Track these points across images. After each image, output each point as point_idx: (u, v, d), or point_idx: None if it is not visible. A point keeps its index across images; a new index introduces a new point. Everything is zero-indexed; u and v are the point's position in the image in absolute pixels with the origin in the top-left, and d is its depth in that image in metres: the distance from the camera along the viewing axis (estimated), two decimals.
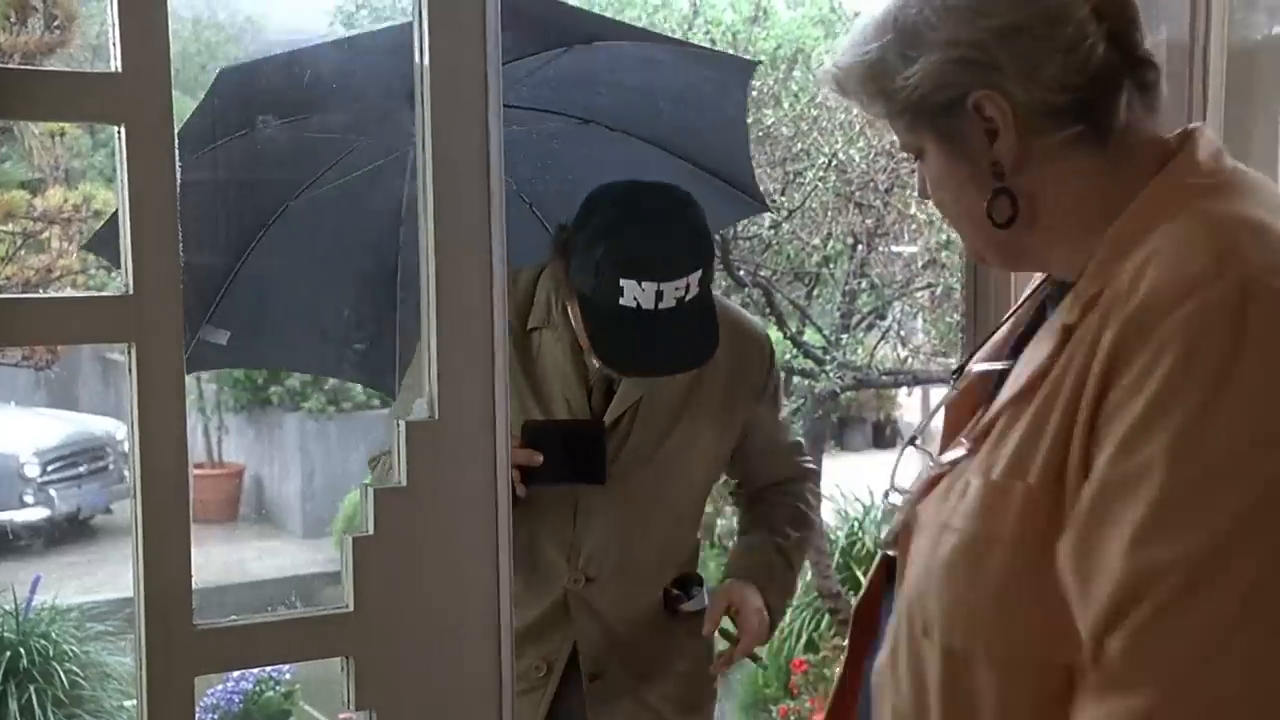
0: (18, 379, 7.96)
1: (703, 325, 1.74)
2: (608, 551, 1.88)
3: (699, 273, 1.70)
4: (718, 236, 4.55)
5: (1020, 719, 0.91)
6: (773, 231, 4.81)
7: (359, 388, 8.05)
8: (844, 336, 4.83)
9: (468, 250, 1.13)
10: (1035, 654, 0.90)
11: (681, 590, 1.93)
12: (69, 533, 8.00)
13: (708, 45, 4.70)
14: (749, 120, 4.68)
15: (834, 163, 4.62)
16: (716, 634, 1.93)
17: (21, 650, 4.49)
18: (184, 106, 2.09)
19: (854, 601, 1.18)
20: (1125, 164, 0.96)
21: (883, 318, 5.16)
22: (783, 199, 4.78)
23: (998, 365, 1.07)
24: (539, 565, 1.85)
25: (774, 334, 5.15)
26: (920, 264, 4.96)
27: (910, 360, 5.25)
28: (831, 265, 5.08)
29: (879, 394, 9.59)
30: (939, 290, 4.97)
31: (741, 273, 4.77)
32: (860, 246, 4.81)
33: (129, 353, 1.03)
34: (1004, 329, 1.13)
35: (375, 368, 2.69)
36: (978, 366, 1.10)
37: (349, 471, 7.99)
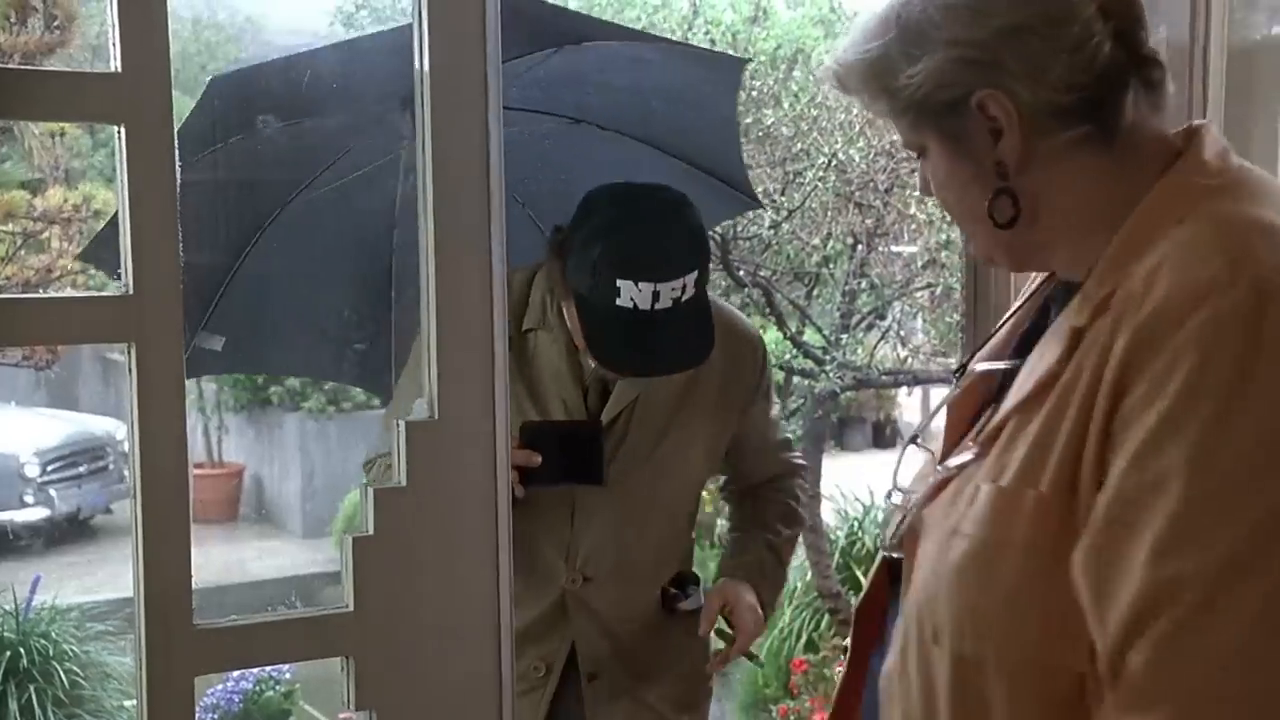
0: (18, 379, 7.96)
1: (699, 326, 1.75)
2: (605, 551, 1.88)
3: (695, 274, 1.71)
4: (718, 236, 4.55)
5: None
6: (772, 231, 4.81)
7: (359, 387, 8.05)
8: (844, 336, 4.83)
9: (468, 250, 1.13)
10: (1045, 660, 0.90)
11: (678, 589, 1.94)
12: (69, 533, 8.00)
13: (708, 45, 4.71)
14: (749, 120, 4.70)
15: (834, 163, 4.62)
16: (701, 633, 1.94)
17: (21, 650, 4.49)
18: (184, 106, 2.09)
19: (854, 602, 1.18)
20: (1131, 164, 0.95)
21: (883, 318, 5.16)
22: (783, 199, 4.78)
23: (1000, 365, 1.07)
24: (537, 566, 1.85)
25: (774, 334, 5.15)
26: (920, 264, 4.96)
27: (910, 360, 5.25)
28: (831, 265, 5.07)
29: (879, 394, 9.59)
30: (939, 290, 4.97)
31: (741, 273, 4.77)
32: (860, 246, 4.81)
33: (129, 353, 1.03)
34: (1005, 328, 1.12)
35: (371, 371, 2.69)
36: (980, 366, 1.09)
37: (349, 471, 7.99)
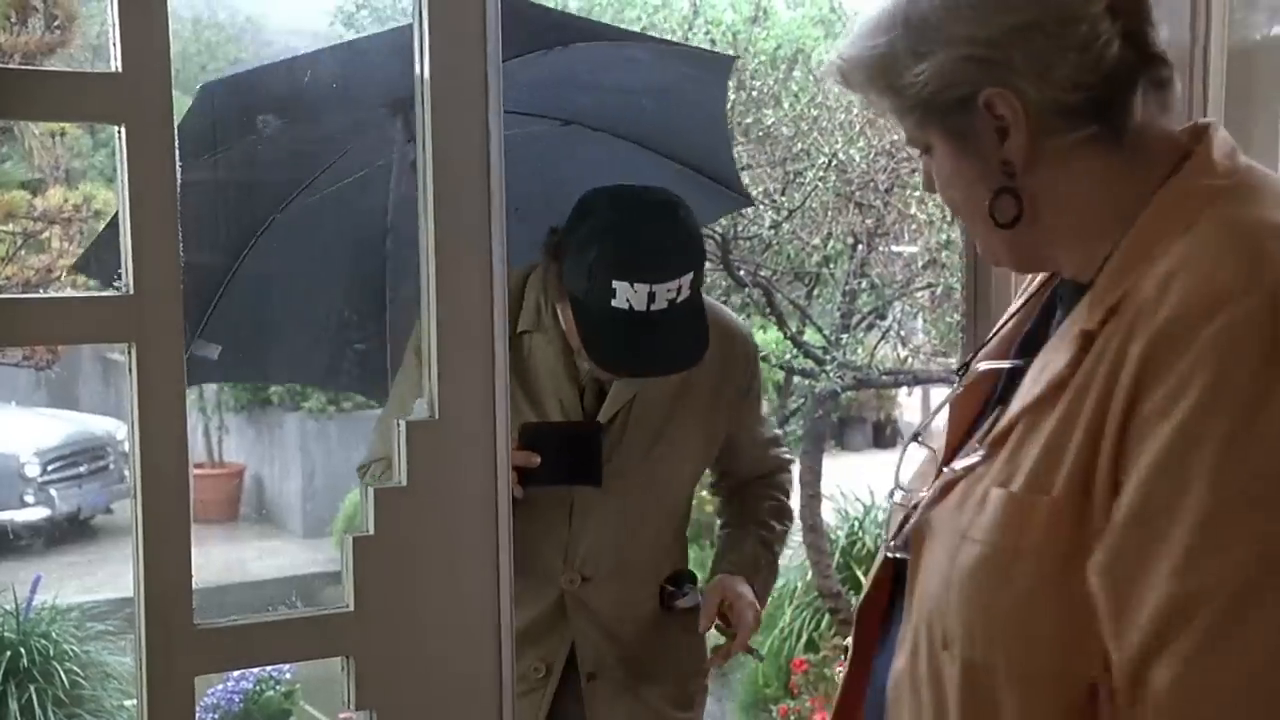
0: (18, 379, 7.96)
1: (694, 327, 1.76)
2: (604, 551, 1.89)
3: (690, 275, 1.72)
4: (718, 236, 4.55)
5: None
6: (773, 231, 4.81)
7: None
8: (844, 336, 4.83)
9: (468, 250, 1.13)
10: (1058, 668, 0.89)
11: (675, 587, 1.95)
12: (69, 532, 8.00)
13: (708, 45, 4.71)
14: (749, 120, 4.70)
15: (834, 163, 4.62)
16: (701, 629, 1.95)
17: (22, 650, 4.49)
18: (184, 106, 2.09)
19: (855, 601, 1.18)
20: (1139, 164, 0.94)
21: (883, 317, 5.16)
22: (783, 199, 4.78)
23: (1004, 364, 1.06)
24: (535, 566, 1.85)
25: (774, 334, 5.16)
26: (920, 264, 4.96)
27: (910, 360, 5.25)
28: (832, 265, 5.07)
29: (879, 394, 9.59)
30: (939, 290, 4.97)
31: (741, 273, 4.77)
32: (860, 246, 4.81)
33: (129, 353, 1.03)
34: (1008, 327, 1.11)
35: (367, 376, 2.69)
36: (983, 365, 1.09)
37: (349, 471, 7.94)
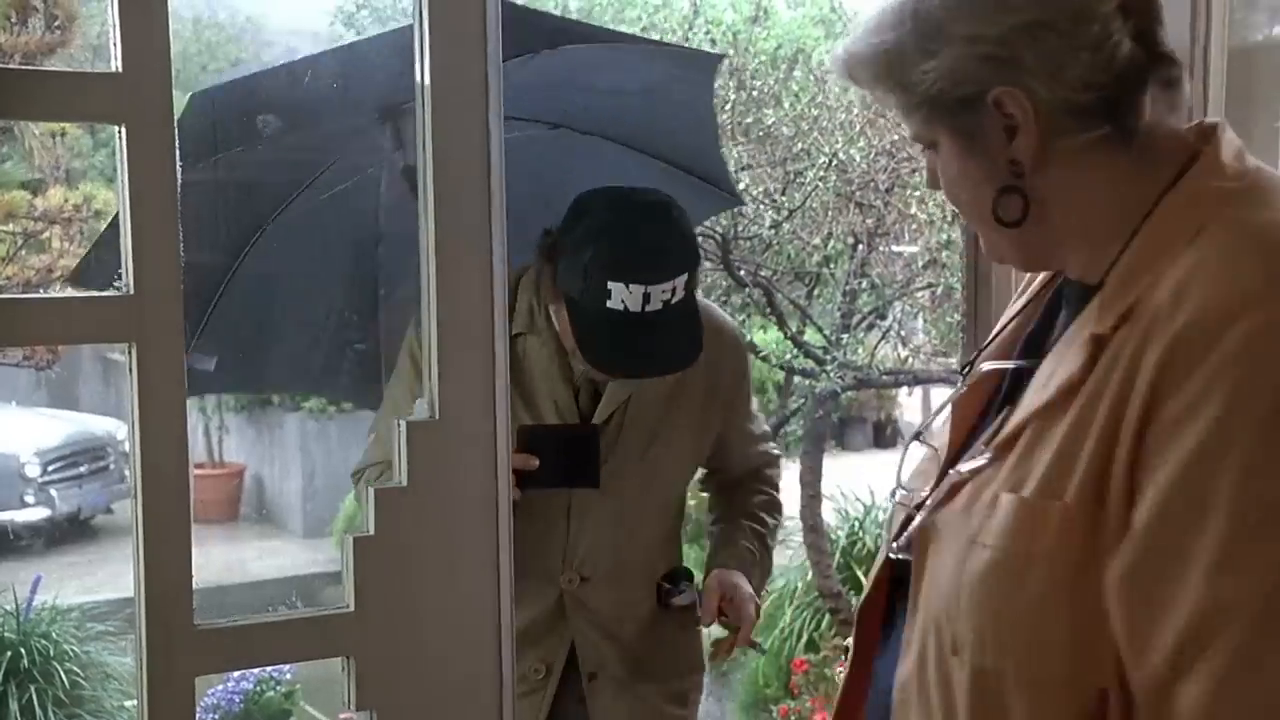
0: (18, 379, 7.96)
1: (688, 328, 1.77)
2: (602, 551, 1.90)
3: (685, 276, 1.73)
4: (718, 236, 4.56)
5: None
6: (773, 231, 4.81)
7: None
8: (844, 336, 4.83)
9: (468, 250, 1.13)
10: (1068, 674, 0.88)
11: (671, 584, 1.96)
12: (69, 533, 8.00)
13: (708, 45, 4.71)
14: (749, 120, 4.70)
15: (834, 162, 4.62)
16: (704, 625, 1.96)
17: (22, 650, 4.49)
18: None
19: (855, 602, 1.17)
20: (1147, 165, 0.94)
21: (883, 317, 5.16)
22: (783, 199, 4.78)
23: (1008, 364, 1.06)
24: (534, 567, 1.85)
25: (775, 334, 5.15)
26: (921, 264, 4.96)
27: (911, 360, 5.25)
28: (832, 265, 5.08)
29: (879, 394, 9.59)
30: (939, 290, 4.97)
31: (742, 273, 4.77)
32: (861, 246, 4.81)
33: (129, 353, 1.03)
34: (1011, 327, 1.11)
35: (359, 383, 2.68)
36: (986, 365, 1.08)
37: (350, 472, 7.96)
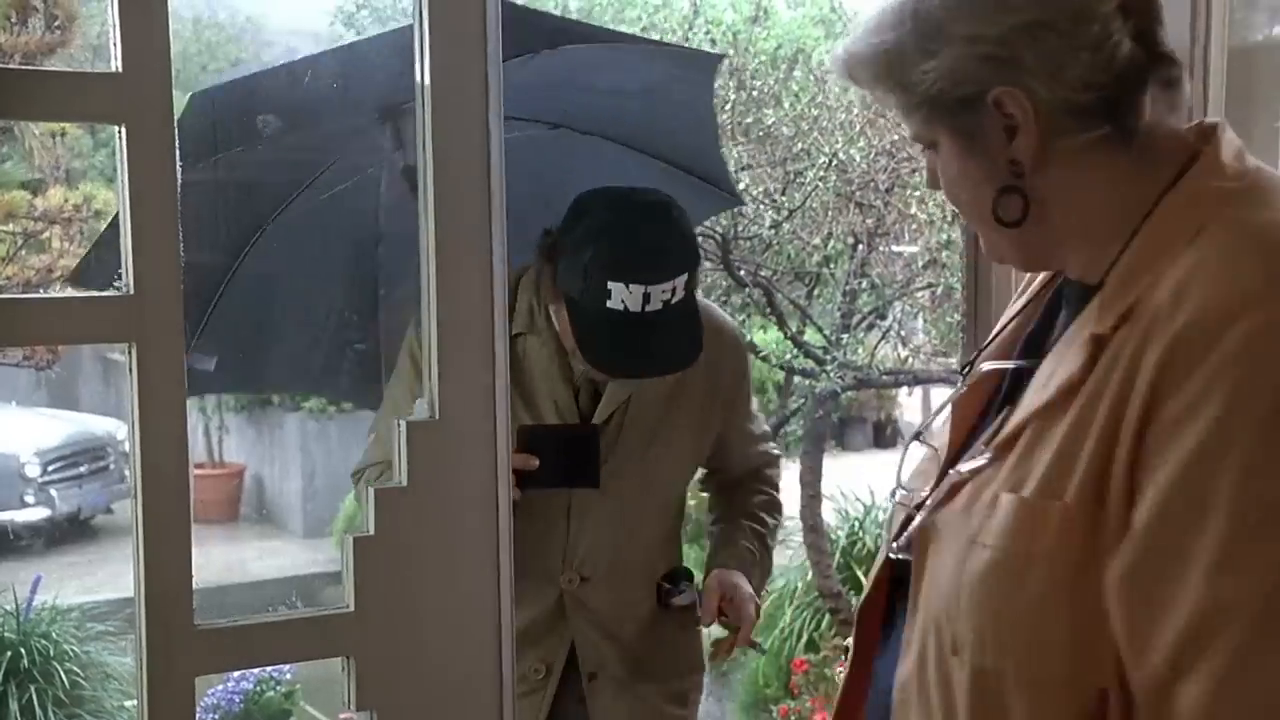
0: (18, 379, 7.96)
1: (688, 328, 1.77)
2: (602, 551, 1.90)
3: (685, 276, 1.73)
4: (718, 236, 4.56)
5: None
6: (773, 231, 4.81)
7: None
8: (844, 336, 4.83)
9: (468, 250, 1.13)
10: (1068, 674, 0.88)
11: (671, 584, 1.96)
12: (70, 533, 8.00)
13: (708, 45, 4.71)
14: (749, 120, 4.70)
15: (834, 162, 4.62)
16: (704, 625, 1.97)
17: (22, 650, 4.49)
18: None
19: (855, 602, 1.17)
20: (1147, 165, 0.94)
21: (883, 317, 5.16)
22: (783, 199, 4.78)
23: (1008, 364, 1.06)
24: (534, 567, 1.86)
25: (775, 334, 5.15)
26: (921, 264, 4.96)
27: (911, 360, 5.25)
28: (832, 265, 5.08)
29: (879, 394, 9.59)
30: (939, 290, 4.97)
31: (742, 273, 4.77)
32: (861, 246, 4.81)
33: (129, 353, 1.03)
34: (1011, 327, 1.11)
35: (359, 383, 2.68)
36: (986, 365, 1.08)
37: (350, 472, 7.96)
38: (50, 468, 7.94)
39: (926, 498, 1.04)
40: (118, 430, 8.20)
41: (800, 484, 4.90)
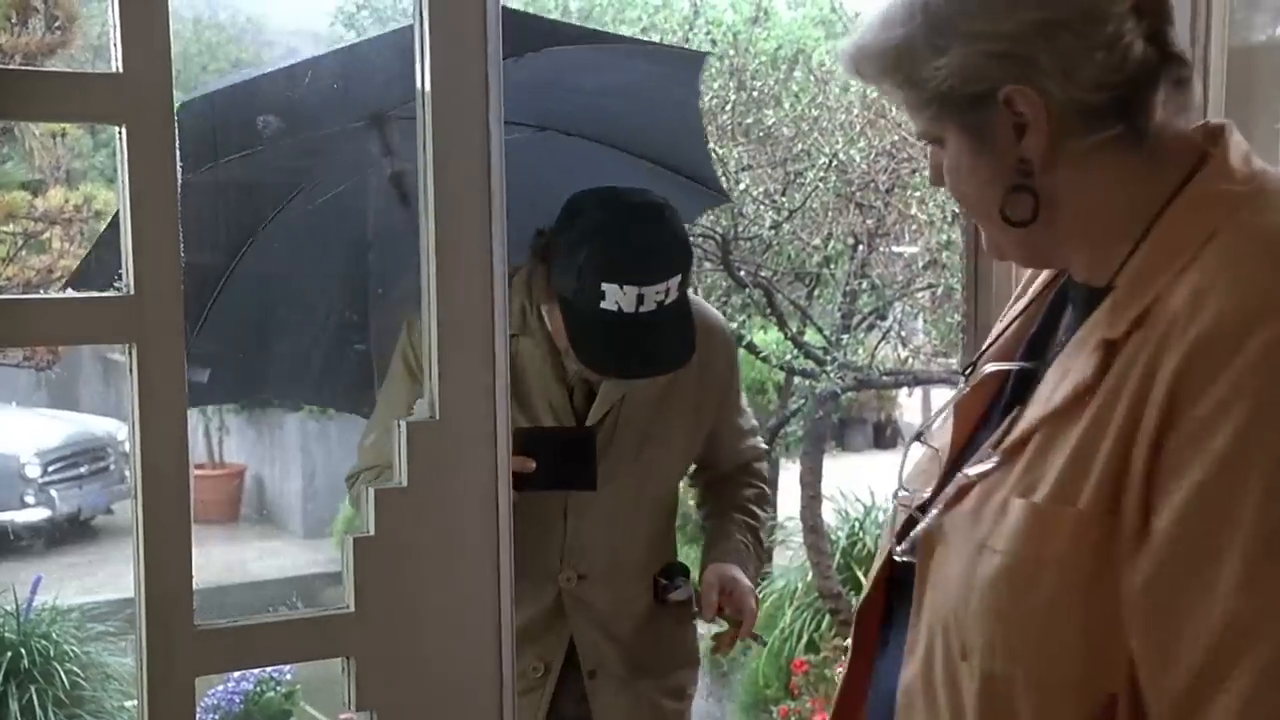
0: (19, 379, 7.95)
1: (681, 328, 1.78)
2: (599, 549, 1.92)
3: (679, 277, 1.74)
4: (718, 236, 4.56)
5: None
6: (773, 232, 4.81)
7: None
8: (845, 337, 4.83)
9: (468, 250, 1.13)
10: (1079, 679, 0.88)
11: (668, 580, 1.97)
12: (70, 533, 8.00)
13: (709, 45, 4.71)
14: (750, 120, 4.71)
15: (834, 163, 4.62)
16: (705, 620, 1.97)
17: (22, 650, 4.49)
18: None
19: (855, 602, 1.16)
20: (1156, 166, 0.93)
21: (883, 318, 5.16)
22: (783, 199, 4.78)
23: (1012, 365, 1.05)
24: (533, 567, 1.86)
25: (775, 334, 5.16)
26: (921, 264, 4.96)
27: (911, 361, 5.25)
28: (832, 266, 5.08)
29: (880, 394, 9.59)
30: (940, 291, 4.97)
31: (742, 273, 4.77)
32: (861, 247, 4.81)
33: (129, 353, 1.03)
34: (1014, 327, 1.10)
35: (352, 389, 2.67)
36: (989, 366, 1.07)
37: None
38: (50, 468, 7.94)
39: (929, 499, 1.04)
40: (118, 431, 8.20)
41: (800, 485, 4.90)
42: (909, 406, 10.36)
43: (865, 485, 5.65)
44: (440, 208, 1.11)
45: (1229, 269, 0.86)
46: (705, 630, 2.06)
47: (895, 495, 1.10)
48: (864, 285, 4.89)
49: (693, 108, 2.56)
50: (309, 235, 2.39)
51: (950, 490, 1.00)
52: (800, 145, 4.72)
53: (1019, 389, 1.02)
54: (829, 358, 4.75)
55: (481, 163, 1.12)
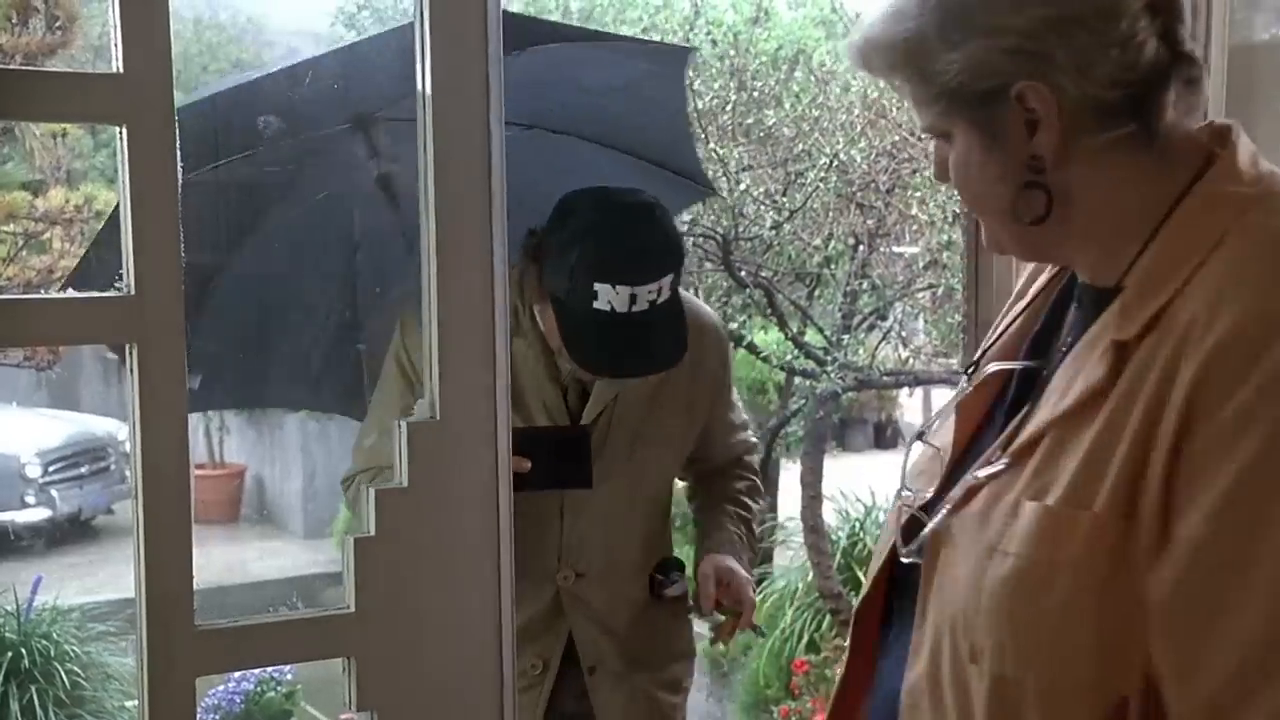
0: (19, 379, 7.95)
1: (673, 328, 1.79)
2: (595, 546, 1.93)
3: (671, 277, 1.75)
4: (718, 237, 4.56)
5: None
6: (774, 232, 4.81)
7: None
8: (845, 337, 4.83)
9: (468, 250, 1.13)
10: (1091, 682, 0.87)
11: (664, 575, 1.98)
12: (70, 533, 8.00)
13: (709, 46, 4.71)
14: (750, 120, 4.71)
15: (835, 163, 4.63)
16: (704, 613, 1.97)
17: (23, 651, 4.49)
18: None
19: (855, 602, 1.16)
20: (1165, 166, 0.92)
21: (884, 318, 5.16)
22: (784, 199, 4.78)
23: (1015, 365, 1.05)
24: (530, 566, 1.86)
25: (775, 334, 5.16)
26: (921, 264, 4.96)
27: (911, 361, 5.25)
28: (833, 266, 5.08)
29: (880, 395, 9.59)
30: (940, 291, 4.97)
31: (743, 273, 4.77)
32: (861, 247, 4.81)
33: (130, 353, 1.03)
34: (1016, 326, 1.09)
35: (344, 393, 2.67)
36: (992, 365, 1.07)
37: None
38: (51, 468, 7.94)
39: (932, 499, 1.03)
40: (118, 430, 8.19)
41: (801, 485, 4.90)
42: (909, 407, 10.36)
43: (866, 485, 5.65)
44: (441, 208, 1.11)
45: (1248, 273, 0.85)
46: (701, 628, 2.06)
47: (898, 495, 1.10)
48: (864, 285, 4.89)
49: (678, 103, 2.57)
50: (302, 236, 2.39)
51: (957, 492, 1.00)
52: (801, 145, 4.72)
53: (1023, 388, 1.02)
54: (829, 358, 4.75)
55: (482, 163, 1.12)
